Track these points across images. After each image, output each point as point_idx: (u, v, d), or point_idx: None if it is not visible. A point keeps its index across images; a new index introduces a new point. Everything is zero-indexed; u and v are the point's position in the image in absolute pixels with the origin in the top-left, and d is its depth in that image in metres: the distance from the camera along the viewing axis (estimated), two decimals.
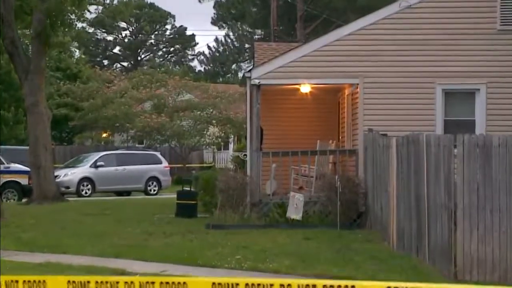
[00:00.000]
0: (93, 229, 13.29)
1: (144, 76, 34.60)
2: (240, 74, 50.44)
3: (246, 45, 48.33)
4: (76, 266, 9.50)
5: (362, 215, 13.41)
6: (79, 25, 22.48)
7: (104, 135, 36.72)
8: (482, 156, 8.82)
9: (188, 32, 62.81)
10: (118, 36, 62.19)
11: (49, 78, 32.86)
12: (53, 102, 32.88)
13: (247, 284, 4.26)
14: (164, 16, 62.29)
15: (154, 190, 25.66)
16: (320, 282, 4.19)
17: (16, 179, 21.51)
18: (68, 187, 23.74)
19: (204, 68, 58.50)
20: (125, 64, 62.65)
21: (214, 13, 49.39)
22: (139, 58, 62.55)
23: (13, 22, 19.49)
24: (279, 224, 13.21)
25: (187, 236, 12.25)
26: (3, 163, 21.13)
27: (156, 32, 63.20)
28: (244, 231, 12.52)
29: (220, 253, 10.35)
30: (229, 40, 52.81)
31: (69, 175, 24.14)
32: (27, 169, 20.91)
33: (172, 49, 64.21)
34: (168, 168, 26.66)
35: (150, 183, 25.67)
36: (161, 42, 63.89)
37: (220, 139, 33.17)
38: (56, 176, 21.50)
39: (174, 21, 63.18)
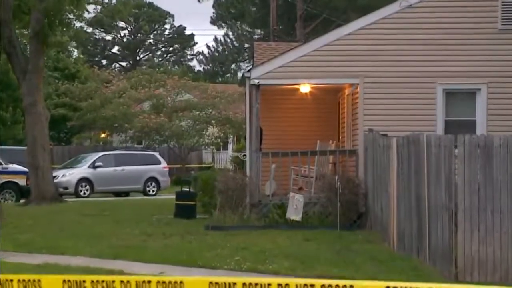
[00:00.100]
0: (91, 230, 13.24)
1: (142, 76, 34.55)
2: (239, 74, 50.45)
3: (246, 45, 48.30)
4: (74, 267, 9.46)
5: (362, 216, 13.37)
6: (78, 24, 22.41)
7: (103, 135, 36.66)
8: (483, 156, 8.80)
9: (187, 32, 62.87)
10: (116, 36, 62.15)
11: (47, 78, 32.80)
12: (51, 102, 32.82)
13: (244, 284, 4.21)
14: (163, 16, 62.25)
15: (153, 191, 25.60)
16: (318, 282, 4.13)
17: (14, 180, 21.44)
18: (66, 188, 23.67)
19: (203, 68, 58.49)
20: (123, 64, 62.62)
21: (213, 13, 49.39)
22: (137, 58, 62.51)
23: (11, 22, 19.42)
24: (279, 225, 13.16)
25: (186, 237, 12.20)
26: (1, 164, 21.07)
27: (155, 32, 63.18)
28: (244, 232, 12.47)
29: (219, 254, 10.31)
30: (228, 40, 52.78)
31: (67, 175, 24.08)
32: (25, 169, 20.85)
33: (171, 48, 64.18)
34: (167, 169, 26.61)
35: (149, 183, 25.62)
36: (160, 42, 63.87)
37: (219, 140, 33.15)
38: (54, 177, 21.44)
39: (173, 20, 63.25)
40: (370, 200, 13.06)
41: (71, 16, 20.13)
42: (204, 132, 31.73)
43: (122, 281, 4.36)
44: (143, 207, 18.41)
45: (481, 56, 13.61)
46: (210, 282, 4.26)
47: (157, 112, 31.06)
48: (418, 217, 9.88)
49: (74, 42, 34.91)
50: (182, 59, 64.10)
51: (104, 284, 4.41)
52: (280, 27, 35.73)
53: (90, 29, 53.08)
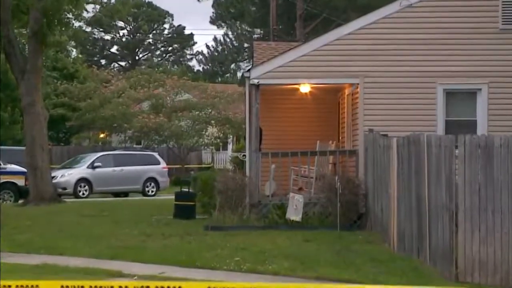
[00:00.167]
0: (90, 231, 13.21)
1: (142, 76, 34.49)
2: (239, 74, 50.37)
3: (245, 45, 48.26)
4: (73, 268, 9.44)
5: (362, 216, 13.34)
6: (76, 24, 22.34)
7: (102, 135, 36.60)
8: (484, 156, 8.78)
9: (187, 31, 62.80)
10: (115, 36, 62.08)
11: (46, 78, 32.75)
12: (50, 102, 32.76)
13: None
14: (162, 15, 62.19)
15: (152, 191, 25.55)
16: (318, 287, 4.09)
17: (13, 180, 21.38)
18: (65, 188, 23.61)
19: (203, 67, 58.42)
20: (122, 63, 62.57)
21: (213, 12, 49.35)
22: (136, 58, 62.45)
23: (10, 21, 19.36)
24: (279, 226, 13.13)
25: (185, 237, 12.17)
26: (0, 164, 20.99)
27: (154, 32, 63.12)
28: (243, 233, 12.44)
29: (218, 255, 10.28)
30: (228, 40, 52.71)
31: (66, 176, 24.01)
32: (24, 170, 20.78)
33: (170, 48, 64.13)
34: (166, 169, 26.56)
35: (148, 184, 25.57)
36: (159, 42, 63.82)
37: (218, 140, 33.09)
38: (53, 177, 21.37)
39: (172, 20, 63.20)
40: (370, 201, 13.03)
41: (70, 15, 20.09)
42: (203, 132, 31.67)
43: (120, 287, 4.31)
44: (142, 208, 18.37)
45: (481, 56, 13.57)
46: (209, 287, 4.21)
47: (156, 112, 31.01)
48: (418, 218, 9.85)
49: (73, 42, 34.92)
50: (181, 59, 64.05)
51: None
52: (280, 26, 35.69)
53: (89, 29, 53.03)
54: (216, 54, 55.13)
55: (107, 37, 61.54)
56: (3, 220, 14.33)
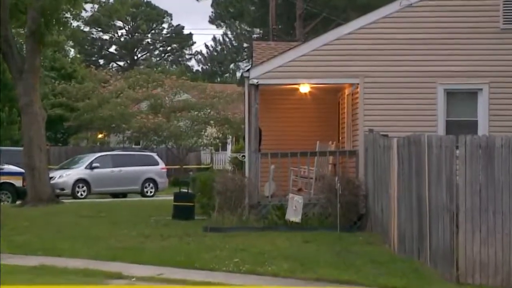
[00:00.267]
0: (88, 232, 13.17)
1: (140, 76, 34.45)
2: (238, 74, 50.35)
3: (245, 44, 48.17)
4: (71, 269, 9.41)
5: (362, 217, 13.29)
6: (74, 23, 22.27)
7: (100, 136, 36.55)
8: (485, 157, 8.76)
9: (185, 31, 62.79)
10: (114, 35, 62.02)
11: (44, 78, 32.69)
12: (47, 102, 32.69)
13: None
14: (161, 15, 62.15)
15: (151, 192, 25.50)
16: None
17: (10, 181, 21.32)
18: (63, 189, 23.55)
19: (202, 67, 58.34)
20: (121, 63, 62.51)
21: (212, 12, 49.26)
22: (135, 58, 62.40)
23: (8, 21, 19.29)
24: (278, 227, 13.09)
25: (184, 238, 12.13)
26: None
27: (153, 31, 63.08)
28: (242, 234, 12.39)
29: (217, 256, 10.25)
30: (227, 39, 52.61)
31: (64, 176, 23.95)
32: (21, 170, 20.70)
33: (169, 48, 64.10)
34: (165, 170, 26.51)
35: (147, 184, 25.52)
36: (157, 41, 63.78)
37: (218, 140, 33.06)
38: (51, 178, 21.32)
39: (171, 19, 63.19)
40: (370, 201, 12.98)
41: (68, 15, 20.03)
42: (202, 133, 31.63)
43: None
44: (141, 209, 18.33)
45: (482, 56, 13.52)
46: None
47: (155, 112, 30.96)
48: (419, 219, 9.81)
49: (71, 42, 34.83)
50: (180, 59, 64.01)
51: None
52: (280, 26, 35.67)
53: (87, 28, 53.04)
54: (215, 54, 55.05)
55: (106, 36, 61.53)
56: (2, 221, 14.28)
